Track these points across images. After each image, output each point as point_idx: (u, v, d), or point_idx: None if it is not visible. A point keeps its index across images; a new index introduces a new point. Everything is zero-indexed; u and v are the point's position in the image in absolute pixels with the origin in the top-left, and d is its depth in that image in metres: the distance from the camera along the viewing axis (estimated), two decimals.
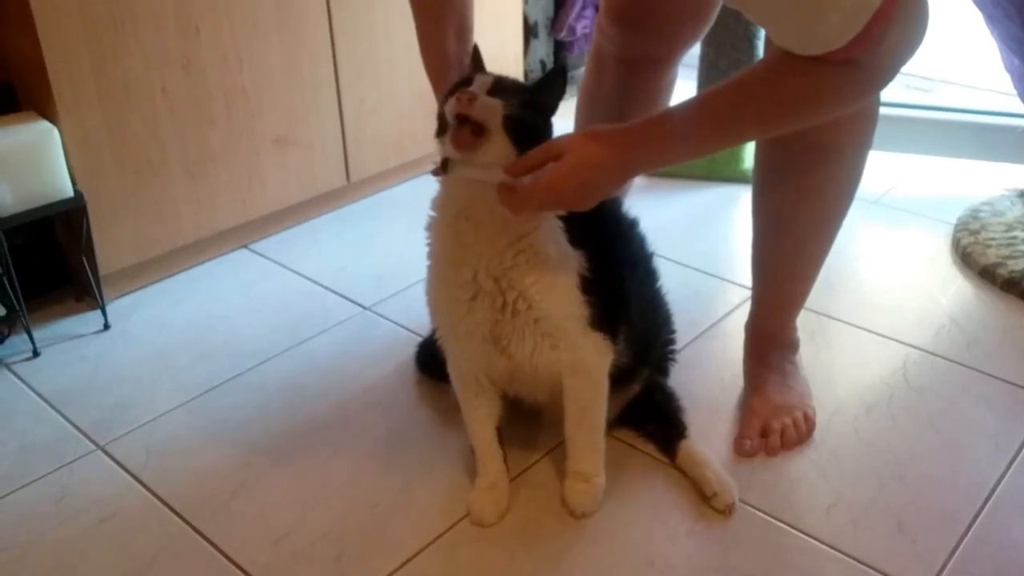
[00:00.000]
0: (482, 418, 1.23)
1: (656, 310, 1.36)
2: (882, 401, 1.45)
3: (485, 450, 1.24)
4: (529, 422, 1.37)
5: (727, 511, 1.22)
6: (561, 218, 1.11)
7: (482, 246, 1.08)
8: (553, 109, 1.07)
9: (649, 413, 1.35)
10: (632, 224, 1.28)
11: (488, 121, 1.01)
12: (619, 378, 1.24)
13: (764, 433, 1.35)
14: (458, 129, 1.02)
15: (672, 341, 1.43)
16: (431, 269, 1.16)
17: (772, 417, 1.35)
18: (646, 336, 1.29)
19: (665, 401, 1.36)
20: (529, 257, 1.08)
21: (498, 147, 1.02)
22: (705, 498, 1.24)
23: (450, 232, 1.10)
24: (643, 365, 1.32)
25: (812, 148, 1.24)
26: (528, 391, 1.24)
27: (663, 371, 1.41)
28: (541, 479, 1.30)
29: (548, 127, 1.08)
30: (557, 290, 1.10)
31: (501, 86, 1.04)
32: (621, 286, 1.19)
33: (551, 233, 1.09)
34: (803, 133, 1.24)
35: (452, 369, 1.23)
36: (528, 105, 1.03)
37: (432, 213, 1.13)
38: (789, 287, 1.41)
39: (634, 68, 1.42)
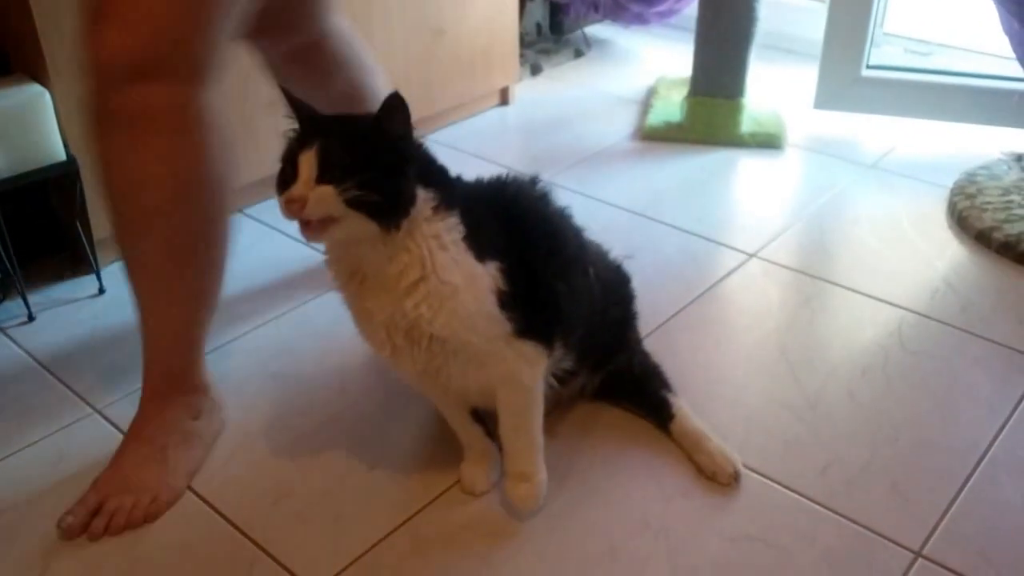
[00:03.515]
0: (450, 405, 1.22)
1: (603, 306, 1.26)
2: (877, 364, 1.45)
3: (464, 431, 1.23)
4: None
5: (731, 481, 1.22)
6: (465, 237, 1.03)
7: (382, 307, 1.03)
8: (406, 136, 0.99)
9: (633, 401, 1.34)
10: (562, 216, 1.18)
11: (331, 212, 0.96)
12: (565, 379, 1.22)
13: (95, 511, 1.18)
14: (304, 227, 0.98)
15: (632, 318, 1.36)
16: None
17: (113, 495, 1.19)
18: (592, 334, 1.23)
19: (641, 384, 1.33)
20: (431, 301, 1.01)
21: (354, 225, 0.97)
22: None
23: (350, 298, 1.07)
24: (586, 364, 1.27)
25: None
26: (479, 404, 1.22)
27: (631, 354, 1.35)
28: None
29: (403, 165, 0.98)
30: (471, 318, 1.03)
31: (329, 161, 0.96)
32: (547, 289, 1.10)
33: (450, 262, 1.01)
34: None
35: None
36: (367, 181, 0.95)
37: (329, 273, 1.08)
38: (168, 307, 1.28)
39: (300, 56, 1.44)
